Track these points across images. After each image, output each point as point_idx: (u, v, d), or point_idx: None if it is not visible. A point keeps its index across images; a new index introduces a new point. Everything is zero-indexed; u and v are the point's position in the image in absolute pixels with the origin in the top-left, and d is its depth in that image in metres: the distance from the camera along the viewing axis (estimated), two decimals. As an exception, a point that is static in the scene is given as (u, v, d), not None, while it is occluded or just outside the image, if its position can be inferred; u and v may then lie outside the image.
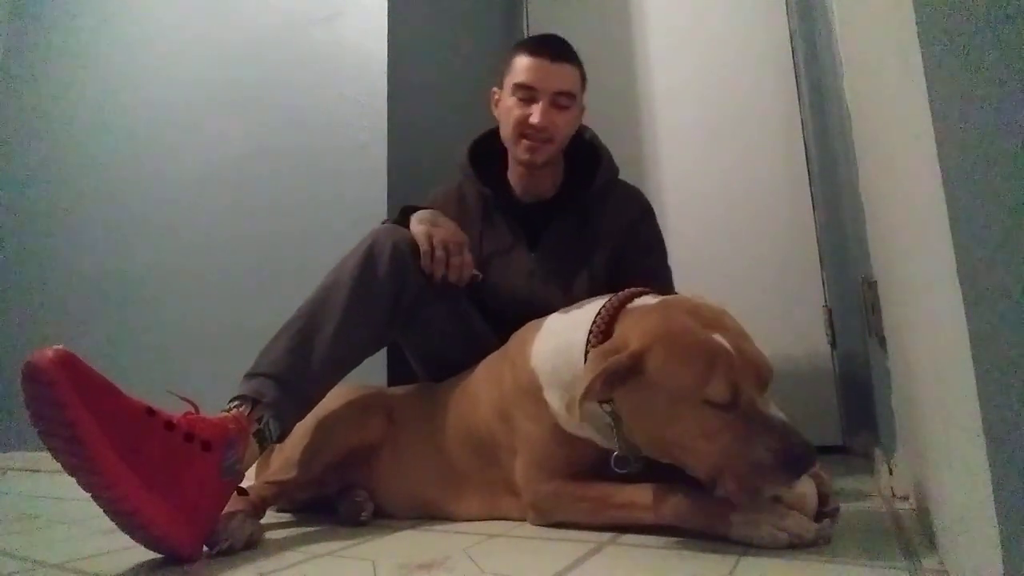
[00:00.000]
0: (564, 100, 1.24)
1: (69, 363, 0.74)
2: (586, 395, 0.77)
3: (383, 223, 1.26)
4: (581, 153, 1.33)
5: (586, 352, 0.87)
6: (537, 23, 2.42)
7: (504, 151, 1.33)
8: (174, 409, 0.87)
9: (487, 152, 1.34)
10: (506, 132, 1.28)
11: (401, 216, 1.24)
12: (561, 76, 1.23)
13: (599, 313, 0.89)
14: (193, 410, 0.88)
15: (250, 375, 1.01)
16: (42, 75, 2.70)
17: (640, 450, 0.85)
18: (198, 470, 0.82)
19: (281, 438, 1.01)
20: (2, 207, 2.68)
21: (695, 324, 0.79)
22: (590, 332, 0.88)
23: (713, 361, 0.75)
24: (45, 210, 2.53)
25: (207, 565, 0.81)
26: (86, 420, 0.73)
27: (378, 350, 1.18)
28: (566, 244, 1.27)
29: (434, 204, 1.33)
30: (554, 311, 1.01)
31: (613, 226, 1.27)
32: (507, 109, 1.26)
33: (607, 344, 0.82)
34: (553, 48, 1.25)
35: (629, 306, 0.89)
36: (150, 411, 0.81)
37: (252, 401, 0.97)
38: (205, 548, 0.84)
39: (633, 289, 0.93)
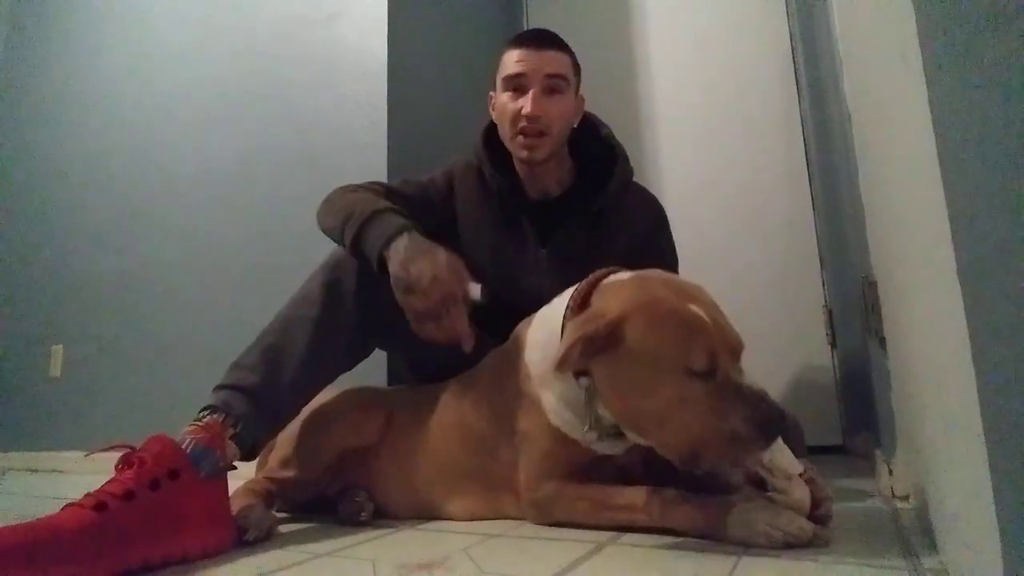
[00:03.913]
0: (555, 83, 1.20)
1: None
2: (562, 362, 0.78)
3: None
4: (593, 150, 1.29)
5: (563, 327, 0.88)
6: (537, 23, 2.42)
7: None
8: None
9: (499, 141, 1.29)
10: (503, 131, 1.25)
11: (368, 221, 1.04)
12: (548, 60, 1.20)
13: (576, 289, 0.91)
14: (130, 449, 0.84)
15: (219, 387, 0.98)
16: (43, 75, 2.70)
17: (612, 428, 0.86)
18: (184, 494, 0.82)
19: (251, 454, 0.99)
20: (2, 206, 2.68)
21: (672, 295, 0.80)
22: (567, 307, 0.90)
23: (692, 330, 0.76)
24: (45, 209, 2.53)
25: (206, 565, 0.81)
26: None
27: (356, 364, 1.13)
28: (578, 247, 1.23)
29: (452, 178, 1.29)
30: None
31: (627, 231, 1.24)
32: (501, 107, 1.23)
33: (584, 314, 0.83)
34: (538, 36, 1.24)
35: (604, 282, 0.90)
36: (100, 507, 0.75)
37: (223, 412, 0.94)
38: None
39: (607, 267, 0.93)
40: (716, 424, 0.73)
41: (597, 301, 0.86)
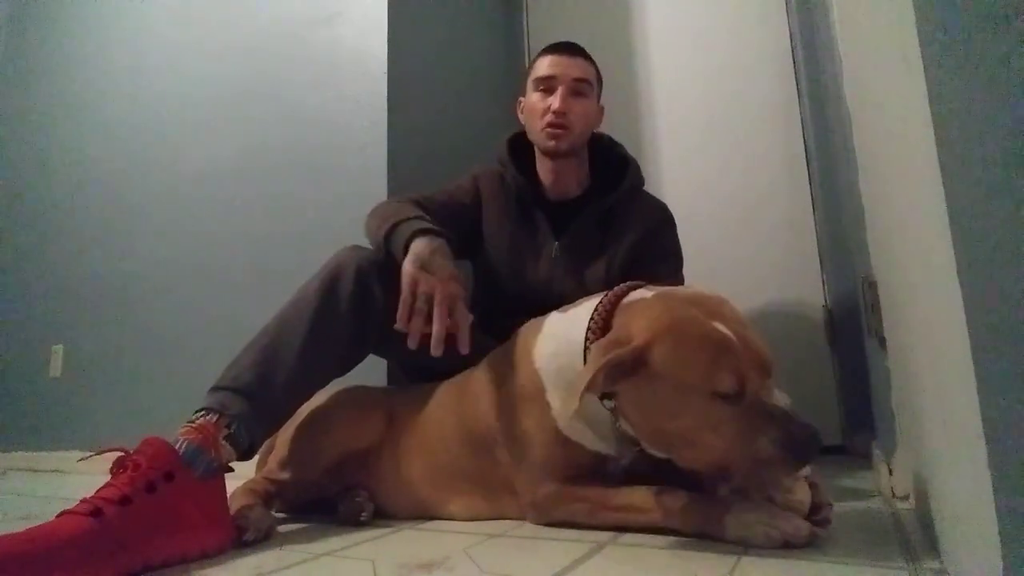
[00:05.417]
0: (581, 87, 1.32)
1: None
2: (588, 387, 0.76)
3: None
4: (610, 161, 1.39)
5: (585, 347, 0.87)
6: (537, 23, 2.42)
7: (534, 151, 1.40)
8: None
9: (521, 148, 1.40)
10: (532, 126, 1.35)
11: (407, 220, 1.12)
12: (577, 66, 1.33)
13: (596, 309, 0.89)
14: (124, 452, 0.83)
15: (215, 389, 0.99)
16: (43, 74, 2.70)
17: (634, 446, 0.86)
18: (180, 496, 0.82)
19: (248, 455, 0.98)
20: (3, 206, 2.68)
21: (698, 314, 0.78)
22: (588, 328, 0.88)
23: (720, 352, 0.74)
24: (45, 209, 2.53)
25: (205, 566, 0.81)
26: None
27: (350, 369, 1.13)
28: (588, 238, 1.32)
29: (477, 180, 1.40)
30: (569, 299, 1.02)
31: (635, 228, 1.32)
32: (531, 106, 1.35)
33: (609, 336, 0.81)
34: (569, 46, 1.37)
35: (626, 300, 0.89)
36: (96, 512, 0.74)
37: (217, 413, 0.94)
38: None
39: (628, 283, 0.92)
40: (743, 447, 0.72)
41: (620, 320, 0.85)
